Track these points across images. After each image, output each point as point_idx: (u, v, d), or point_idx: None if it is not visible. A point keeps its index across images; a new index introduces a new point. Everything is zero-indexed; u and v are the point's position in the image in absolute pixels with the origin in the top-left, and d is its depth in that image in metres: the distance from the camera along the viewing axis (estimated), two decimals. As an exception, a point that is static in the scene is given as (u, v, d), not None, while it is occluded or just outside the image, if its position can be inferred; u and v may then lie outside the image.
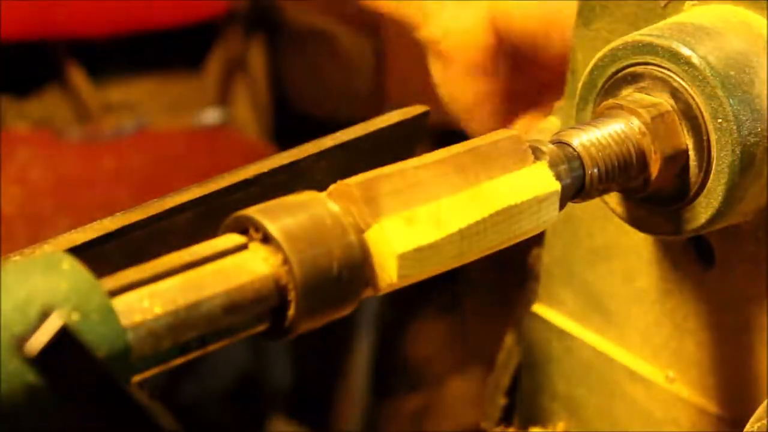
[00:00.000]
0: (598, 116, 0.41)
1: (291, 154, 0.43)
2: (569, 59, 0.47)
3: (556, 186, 0.39)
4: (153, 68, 1.55)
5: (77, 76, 1.52)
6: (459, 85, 0.55)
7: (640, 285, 0.48)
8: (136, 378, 0.31)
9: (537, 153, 0.39)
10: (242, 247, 0.34)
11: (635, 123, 0.40)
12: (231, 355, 1.52)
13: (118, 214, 0.40)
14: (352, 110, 1.50)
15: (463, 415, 1.43)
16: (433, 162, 0.38)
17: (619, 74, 0.42)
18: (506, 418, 0.54)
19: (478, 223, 0.37)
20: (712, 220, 0.41)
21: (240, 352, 1.52)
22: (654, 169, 0.41)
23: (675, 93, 0.40)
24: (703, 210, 0.41)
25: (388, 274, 0.35)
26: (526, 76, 0.54)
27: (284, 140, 1.53)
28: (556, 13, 0.51)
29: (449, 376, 1.50)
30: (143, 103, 1.54)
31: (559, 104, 0.50)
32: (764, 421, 0.36)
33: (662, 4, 0.43)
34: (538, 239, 0.51)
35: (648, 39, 0.41)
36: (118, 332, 0.29)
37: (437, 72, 0.55)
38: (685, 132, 0.40)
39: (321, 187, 0.36)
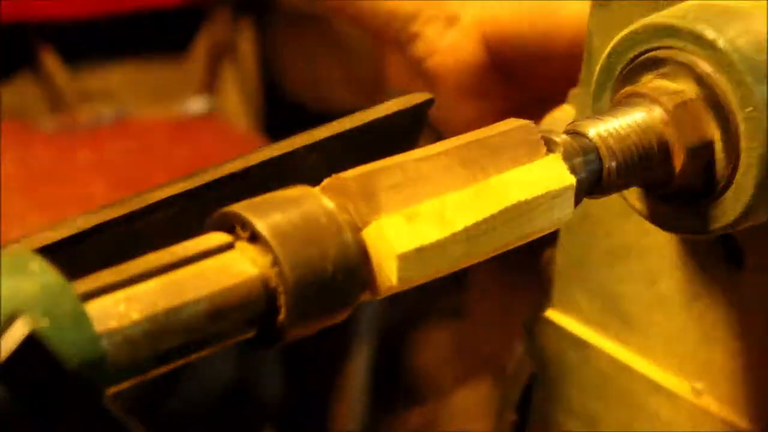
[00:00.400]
0: (617, 105, 0.41)
1: (282, 145, 0.43)
2: (585, 46, 0.47)
3: (571, 180, 0.39)
4: (133, 53, 1.56)
5: (51, 62, 1.52)
6: (449, 108, 0.55)
7: (664, 288, 0.48)
8: (112, 389, 0.31)
9: (550, 144, 0.39)
10: (228, 247, 0.34)
11: (657, 112, 0.40)
12: (217, 364, 1.52)
13: (94, 210, 0.40)
14: (350, 99, 1.50)
15: (471, 430, 1.43)
16: (436, 154, 0.38)
17: (639, 59, 0.42)
18: (517, 434, 0.54)
19: (486, 220, 0.37)
20: (741, 218, 0.41)
21: (227, 362, 1.52)
22: (677, 162, 0.41)
23: (700, 79, 0.40)
24: (732, 206, 0.41)
25: (388, 276, 0.35)
26: (526, 90, 0.54)
27: (275, 131, 1.54)
28: (551, 17, 0.50)
29: (455, 388, 1.50)
30: (123, 90, 1.55)
31: (574, 91, 0.50)
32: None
33: (687, -18, 0.43)
34: (551, 239, 0.51)
35: (670, 21, 0.41)
36: (92, 339, 0.30)
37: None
38: (712, 122, 0.40)
39: (314, 181, 0.36)
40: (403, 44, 0.54)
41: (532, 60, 0.53)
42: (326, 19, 1.50)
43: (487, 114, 0.54)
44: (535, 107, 0.51)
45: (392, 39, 0.55)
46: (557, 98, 0.51)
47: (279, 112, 1.59)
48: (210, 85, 1.57)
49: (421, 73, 0.55)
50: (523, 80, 0.55)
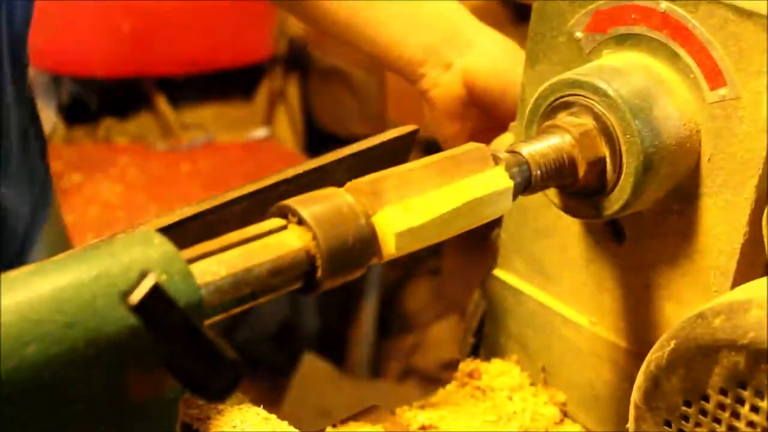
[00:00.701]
0: (541, 133, 0.42)
1: (318, 160, 0.43)
2: (520, 94, 0.47)
3: (510, 183, 0.39)
4: (217, 97, 1.55)
5: (162, 103, 1.52)
6: (442, 123, 0.55)
7: (571, 255, 0.48)
8: (207, 322, 0.31)
9: (496, 159, 0.39)
10: (283, 228, 0.34)
11: (567, 138, 0.41)
12: (274, 306, 1.52)
13: (192, 203, 0.40)
14: (363, 128, 1.50)
15: (444, 351, 1.43)
16: (421, 166, 0.38)
17: (556, 102, 0.42)
18: (474, 353, 0.55)
19: (454, 210, 0.37)
20: (623, 208, 0.41)
21: (280, 305, 1.52)
22: (581, 171, 0.41)
23: (596, 116, 0.41)
24: (616, 200, 0.41)
25: (389, 248, 0.36)
26: (490, 118, 0.55)
27: (313, 150, 1.54)
28: (508, 76, 0.52)
29: (433, 322, 1.50)
30: (210, 123, 1.55)
31: (513, 124, 0.51)
32: (659, 353, 0.36)
33: (587, 52, 0.43)
34: (497, 222, 0.51)
35: (577, 77, 0.41)
36: (194, 288, 0.30)
37: (428, 114, 0.56)
38: (603, 144, 0.41)
39: (340, 184, 0.36)
40: (415, 80, 0.55)
41: (495, 98, 0.54)
42: (347, 73, 1.49)
43: (466, 130, 0.55)
44: (497, 129, 0.52)
45: (409, 77, 0.55)
46: (509, 124, 0.51)
47: (316, 138, 1.59)
48: (269, 120, 1.57)
49: (425, 100, 0.56)
50: (489, 111, 0.55)
